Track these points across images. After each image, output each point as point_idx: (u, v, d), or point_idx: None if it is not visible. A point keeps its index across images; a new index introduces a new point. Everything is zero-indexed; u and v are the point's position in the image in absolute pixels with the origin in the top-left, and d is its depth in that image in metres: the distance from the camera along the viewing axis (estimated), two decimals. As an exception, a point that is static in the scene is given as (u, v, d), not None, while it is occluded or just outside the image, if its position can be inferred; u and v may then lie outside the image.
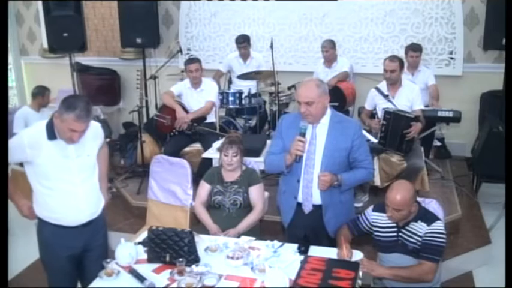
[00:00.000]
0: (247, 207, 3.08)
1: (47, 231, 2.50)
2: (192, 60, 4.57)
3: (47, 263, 2.59)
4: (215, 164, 3.56)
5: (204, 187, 3.15)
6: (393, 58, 4.10)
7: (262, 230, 3.25)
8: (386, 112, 3.98)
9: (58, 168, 2.38)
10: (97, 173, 2.59)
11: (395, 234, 2.56)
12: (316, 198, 2.69)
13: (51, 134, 2.35)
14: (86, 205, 2.50)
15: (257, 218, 3.08)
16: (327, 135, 2.64)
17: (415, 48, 4.83)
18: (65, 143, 2.36)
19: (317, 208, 2.71)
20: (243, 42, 5.31)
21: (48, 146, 2.35)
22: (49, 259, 2.56)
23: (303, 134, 2.58)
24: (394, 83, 4.14)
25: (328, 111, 2.67)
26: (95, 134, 2.53)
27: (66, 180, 2.41)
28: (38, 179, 2.42)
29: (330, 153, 2.62)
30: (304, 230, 2.77)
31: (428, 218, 2.51)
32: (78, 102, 2.28)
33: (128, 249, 2.45)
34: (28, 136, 2.37)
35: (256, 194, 3.09)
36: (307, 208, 2.72)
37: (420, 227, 2.48)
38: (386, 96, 4.17)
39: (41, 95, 5.06)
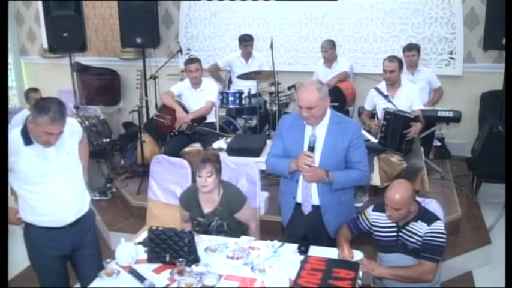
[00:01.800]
0: (236, 229, 2.85)
1: (34, 234, 2.48)
2: (192, 60, 4.57)
3: (37, 265, 2.58)
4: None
5: (182, 212, 2.93)
6: (392, 58, 4.10)
7: (262, 230, 3.24)
8: (387, 112, 3.97)
9: (39, 171, 2.35)
10: (80, 169, 2.57)
11: (395, 234, 2.56)
12: (316, 199, 2.68)
13: (27, 139, 2.32)
14: (72, 204, 2.48)
15: (255, 233, 2.92)
16: (325, 135, 2.64)
17: (410, 48, 4.84)
18: (42, 146, 2.33)
19: (316, 208, 2.70)
20: (250, 40, 5.33)
21: (26, 152, 2.32)
22: (38, 261, 2.55)
23: (312, 148, 2.55)
24: (394, 83, 4.13)
25: (328, 111, 2.66)
26: (72, 131, 2.50)
27: (49, 182, 2.38)
28: (20, 184, 2.39)
29: (328, 154, 2.62)
30: (304, 230, 2.77)
31: (429, 217, 2.51)
32: (50, 105, 2.23)
33: (128, 249, 2.45)
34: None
35: (245, 216, 2.87)
36: (306, 209, 2.72)
37: (420, 227, 2.48)
38: (386, 97, 4.17)
39: (26, 99, 4.94)
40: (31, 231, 2.49)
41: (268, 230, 3.40)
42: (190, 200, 2.88)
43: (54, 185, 2.40)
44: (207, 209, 2.83)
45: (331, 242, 2.69)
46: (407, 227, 2.52)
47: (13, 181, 2.41)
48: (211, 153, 2.96)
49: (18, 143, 2.32)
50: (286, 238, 2.82)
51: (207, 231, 2.84)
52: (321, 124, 2.64)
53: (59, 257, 2.54)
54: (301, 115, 2.60)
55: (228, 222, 2.82)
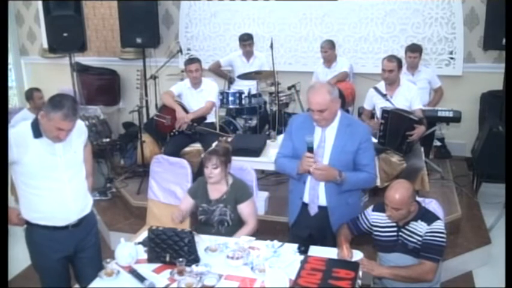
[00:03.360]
0: (237, 225, 2.89)
1: (37, 235, 2.48)
2: (192, 60, 4.57)
3: (39, 267, 2.58)
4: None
5: (187, 200, 2.97)
6: (391, 58, 4.10)
7: (262, 230, 3.24)
8: (384, 111, 3.98)
9: (45, 166, 2.37)
10: (84, 172, 2.58)
11: (395, 233, 2.56)
12: (323, 200, 2.69)
13: (37, 132, 2.34)
14: (74, 202, 2.48)
15: (249, 233, 2.83)
16: (335, 138, 2.63)
17: (413, 49, 4.85)
18: (51, 141, 2.35)
19: (323, 209, 2.70)
20: (248, 39, 5.34)
21: (34, 144, 2.34)
22: (41, 263, 2.55)
23: (311, 149, 2.56)
24: (392, 83, 4.13)
25: (338, 113, 2.66)
26: (79, 132, 2.53)
27: (53, 178, 2.39)
28: (24, 179, 2.39)
29: (337, 156, 2.62)
30: (309, 230, 2.77)
31: (429, 217, 2.51)
32: (65, 101, 2.27)
33: (127, 249, 2.45)
34: (14, 135, 2.34)
35: (247, 211, 2.88)
36: (313, 210, 2.72)
37: (420, 227, 2.48)
38: (384, 96, 4.17)
39: (30, 98, 4.98)
40: (34, 232, 2.49)
41: (268, 230, 3.40)
42: (199, 188, 2.95)
43: (58, 182, 2.41)
44: (213, 196, 2.89)
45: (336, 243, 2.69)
46: (407, 227, 2.52)
47: (16, 175, 2.41)
48: (222, 145, 2.95)
49: (27, 135, 2.34)
50: (290, 237, 2.83)
51: (209, 220, 2.86)
52: (330, 126, 2.64)
53: (62, 258, 2.54)
54: (312, 117, 2.60)
55: (231, 211, 2.85)
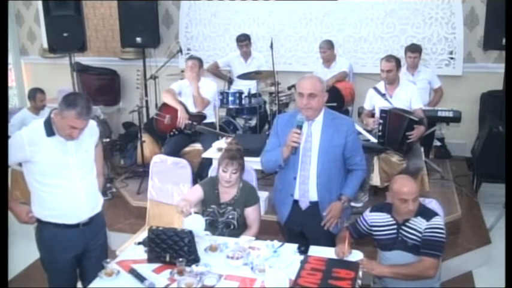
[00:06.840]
0: (241, 228, 2.91)
1: (48, 233, 2.49)
2: (192, 56, 4.55)
3: (48, 265, 2.58)
4: (215, 164, 3.52)
5: (197, 192, 2.92)
6: (389, 58, 4.09)
7: (262, 230, 3.24)
8: (382, 111, 3.99)
9: (57, 164, 2.39)
10: (95, 171, 2.59)
11: (395, 231, 2.56)
12: (313, 195, 2.71)
13: (50, 130, 2.37)
14: (86, 201, 2.50)
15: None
16: (321, 132, 2.67)
17: (413, 49, 4.85)
18: (63, 139, 2.38)
19: (314, 204, 2.72)
20: (244, 40, 5.34)
21: (47, 143, 2.36)
22: (50, 261, 2.55)
23: (300, 127, 2.60)
24: (392, 83, 4.13)
25: (322, 109, 2.70)
26: (91, 131, 2.55)
27: (65, 176, 2.41)
28: (36, 177, 2.41)
29: (325, 150, 2.66)
30: (301, 226, 2.79)
31: (427, 213, 2.52)
32: (78, 100, 2.30)
33: (198, 221, 2.57)
34: (27, 133, 2.37)
35: (253, 215, 2.91)
36: (304, 204, 2.74)
37: (420, 223, 2.48)
38: (383, 95, 4.17)
39: (33, 98, 4.98)
40: (45, 230, 2.50)
41: (268, 230, 3.40)
42: (212, 186, 2.93)
43: (69, 180, 2.43)
44: (224, 199, 2.90)
45: (330, 237, 2.70)
46: (406, 224, 2.52)
47: (29, 173, 2.43)
48: (236, 148, 2.96)
49: (40, 133, 2.36)
50: (284, 234, 2.84)
51: (215, 222, 2.87)
52: (316, 121, 2.68)
53: (72, 257, 2.55)
54: (299, 107, 2.64)
55: (239, 214, 2.86)
